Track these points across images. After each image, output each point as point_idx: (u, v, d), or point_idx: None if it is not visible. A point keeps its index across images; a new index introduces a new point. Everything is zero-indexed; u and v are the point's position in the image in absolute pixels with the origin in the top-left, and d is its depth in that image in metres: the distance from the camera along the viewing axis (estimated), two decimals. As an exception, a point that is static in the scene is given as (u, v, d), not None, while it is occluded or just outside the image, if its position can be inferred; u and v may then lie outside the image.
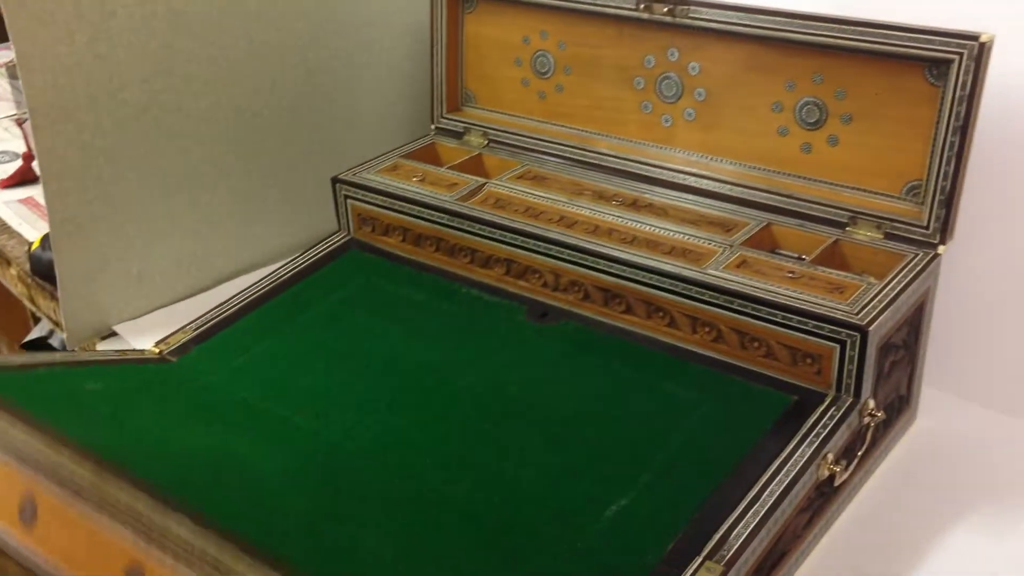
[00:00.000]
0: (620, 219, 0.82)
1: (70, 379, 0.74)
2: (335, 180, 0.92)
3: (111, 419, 0.70)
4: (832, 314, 0.68)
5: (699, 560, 0.58)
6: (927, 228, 0.75)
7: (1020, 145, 0.77)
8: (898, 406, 0.78)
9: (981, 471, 0.77)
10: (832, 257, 0.78)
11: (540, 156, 0.94)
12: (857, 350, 0.68)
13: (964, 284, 0.83)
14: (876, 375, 0.70)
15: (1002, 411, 0.83)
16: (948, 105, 0.72)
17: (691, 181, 0.86)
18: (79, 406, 0.71)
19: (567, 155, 0.93)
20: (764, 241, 0.80)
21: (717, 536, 0.60)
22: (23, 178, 1.31)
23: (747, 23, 0.80)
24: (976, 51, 0.70)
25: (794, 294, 0.71)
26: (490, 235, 0.83)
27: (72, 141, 0.88)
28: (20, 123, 1.41)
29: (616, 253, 0.78)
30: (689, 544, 0.60)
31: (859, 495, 0.75)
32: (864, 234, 0.78)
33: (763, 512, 0.61)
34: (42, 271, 1.04)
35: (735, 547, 0.59)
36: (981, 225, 0.81)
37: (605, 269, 0.78)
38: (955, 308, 0.84)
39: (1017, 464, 0.78)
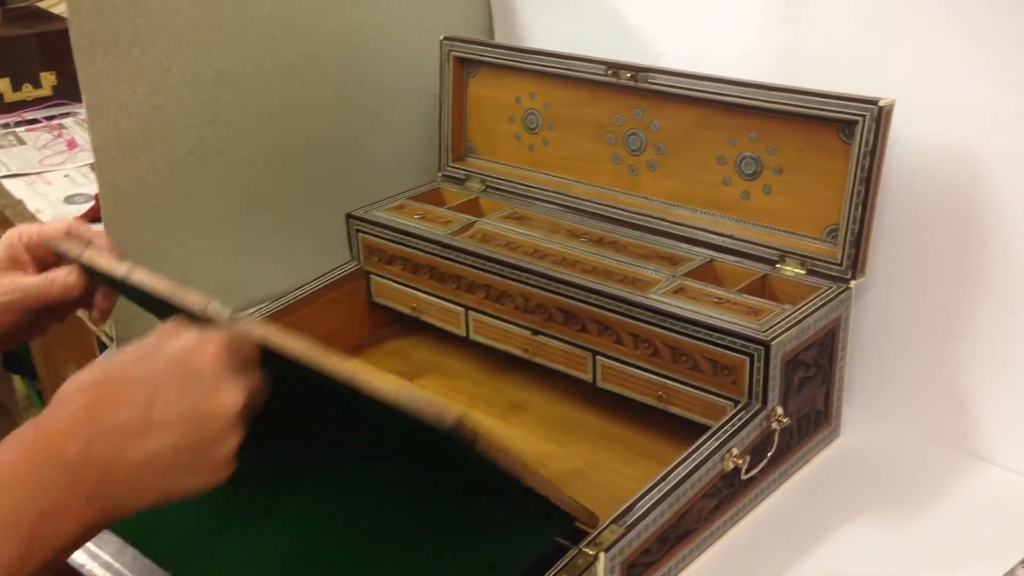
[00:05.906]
0: (585, 252, 0.96)
1: None
2: (349, 216, 1.07)
3: None
4: (744, 331, 0.81)
5: (607, 523, 0.71)
6: (841, 265, 0.87)
7: (930, 194, 0.89)
8: (815, 419, 0.89)
9: (888, 483, 0.88)
10: (762, 289, 0.90)
11: (528, 200, 1.08)
12: (763, 362, 0.80)
13: (896, 316, 0.94)
14: (784, 386, 0.82)
15: (922, 434, 0.93)
16: (856, 160, 0.85)
17: (650, 223, 0.99)
18: None
19: (550, 199, 1.06)
20: (706, 274, 0.92)
21: (625, 506, 0.72)
22: (94, 216, 1.48)
23: (696, 88, 0.93)
24: (876, 113, 0.83)
25: (716, 315, 0.83)
26: (472, 264, 0.97)
27: (129, 177, 1.05)
28: (95, 168, 1.59)
29: (574, 280, 0.91)
30: (602, 511, 0.72)
31: (774, 495, 0.86)
32: (791, 270, 0.90)
33: (666, 489, 0.73)
34: (101, 291, 1.19)
35: (638, 515, 0.71)
36: (903, 267, 0.92)
37: (564, 293, 0.91)
38: (888, 338, 0.94)
39: (920, 478, 0.88)
